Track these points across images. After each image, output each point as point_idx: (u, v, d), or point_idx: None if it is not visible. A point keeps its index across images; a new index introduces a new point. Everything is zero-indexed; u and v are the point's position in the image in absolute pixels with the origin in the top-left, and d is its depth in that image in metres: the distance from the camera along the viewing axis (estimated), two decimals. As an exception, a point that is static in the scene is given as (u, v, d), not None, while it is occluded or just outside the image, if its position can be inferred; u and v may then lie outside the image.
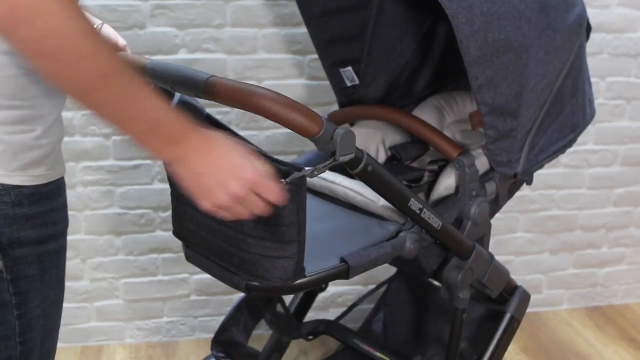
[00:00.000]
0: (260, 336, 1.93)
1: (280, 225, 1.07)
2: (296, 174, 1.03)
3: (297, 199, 1.06)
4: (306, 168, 1.05)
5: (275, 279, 1.12)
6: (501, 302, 1.62)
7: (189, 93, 1.10)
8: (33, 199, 0.93)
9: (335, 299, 2.30)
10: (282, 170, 1.05)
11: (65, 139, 1.96)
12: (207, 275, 2.15)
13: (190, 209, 1.20)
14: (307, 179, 1.06)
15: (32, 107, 0.90)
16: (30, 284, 0.95)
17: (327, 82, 1.72)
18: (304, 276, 1.15)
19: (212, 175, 0.90)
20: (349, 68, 1.66)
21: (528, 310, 1.66)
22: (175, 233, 1.28)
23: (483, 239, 1.47)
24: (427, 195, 1.51)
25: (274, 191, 0.94)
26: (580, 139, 1.65)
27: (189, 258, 1.28)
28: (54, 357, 1.07)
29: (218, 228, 1.15)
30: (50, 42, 0.76)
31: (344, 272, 1.20)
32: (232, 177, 0.91)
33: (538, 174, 1.74)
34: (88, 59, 0.79)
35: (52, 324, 1.03)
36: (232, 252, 1.15)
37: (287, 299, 1.78)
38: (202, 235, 1.20)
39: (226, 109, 2.00)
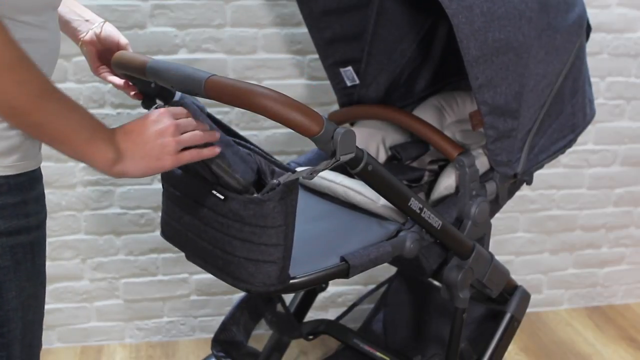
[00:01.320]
0: (260, 336, 1.93)
1: (267, 227, 1.06)
2: (289, 176, 1.02)
3: (287, 201, 1.04)
4: (304, 168, 1.05)
5: (258, 284, 1.11)
6: (501, 302, 1.62)
7: (189, 92, 1.10)
8: (1, 189, 0.93)
9: (335, 299, 2.30)
10: (276, 171, 1.04)
11: (66, 138, 1.96)
12: (207, 275, 2.16)
13: (179, 209, 1.19)
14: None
15: None
16: (4, 275, 0.96)
17: (327, 82, 1.72)
18: (289, 283, 1.13)
19: (147, 148, 0.97)
20: (350, 68, 1.66)
21: (528, 310, 1.67)
22: (163, 233, 1.28)
23: (483, 238, 1.48)
24: (428, 195, 1.51)
25: (192, 123, 1.03)
26: (580, 139, 1.65)
27: (189, 257, 1.28)
28: (38, 351, 1.06)
29: (204, 229, 1.14)
30: None
31: (344, 271, 1.20)
32: (160, 137, 0.98)
33: (538, 174, 1.74)
34: (25, 84, 0.83)
35: (32, 317, 1.03)
36: (217, 254, 1.14)
37: (287, 299, 1.78)
38: (188, 236, 1.19)
39: (227, 108, 2.00)
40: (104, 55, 1.24)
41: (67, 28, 1.22)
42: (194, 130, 1.02)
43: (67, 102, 0.90)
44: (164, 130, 0.99)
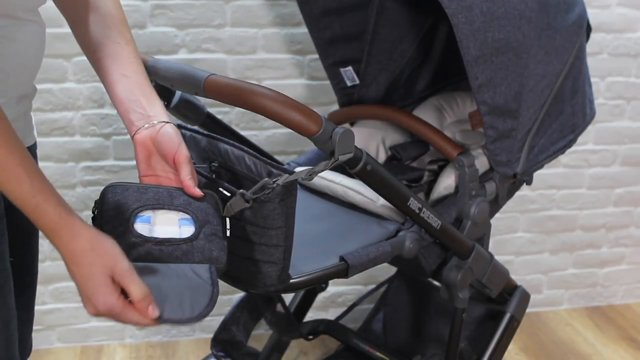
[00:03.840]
0: (260, 336, 1.93)
1: (268, 228, 1.05)
2: (288, 177, 1.01)
3: (287, 203, 1.04)
4: (303, 169, 1.05)
5: (258, 284, 1.10)
6: (501, 302, 1.62)
7: (189, 91, 1.10)
8: None
9: (335, 299, 2.30)
10: (273, 172, 1.04)
11: (65, 138, 1.96)
12: (207, 275, 2.15)
13: None
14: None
15: None
16: None
17: (327, 82, 1.72)
18: (290, 282, 1.13)
19: (82, 286, 0.87)
20: (350, 68, 1.66)
21: (528, 310, 1.66)
22: None
23: (483, 238, 1.47)
24: (427, 195, 1.51)
25: (132, 317, 0.89)
26: (580, 139, 1.65)
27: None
28: (7, 353, 1.01)
29: None
30: None
31: (344, 270, 1.20)
32: (92, 301, 0.87)
33: (538, 174, 1.74)
34: None
35: None
36: None
37: (287, 299, 1.78)
38: None
39: (227, 108, 2.00)
40: (155, 162, 1.03)
41: (125, 117, 1.05)
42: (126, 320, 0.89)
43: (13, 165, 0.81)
44: (97, 306, 0.87)
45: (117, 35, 1.08)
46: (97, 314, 0.87)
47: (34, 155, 1.10)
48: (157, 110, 1.05)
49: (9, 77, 0.97)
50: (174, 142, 1.01)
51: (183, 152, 1.01)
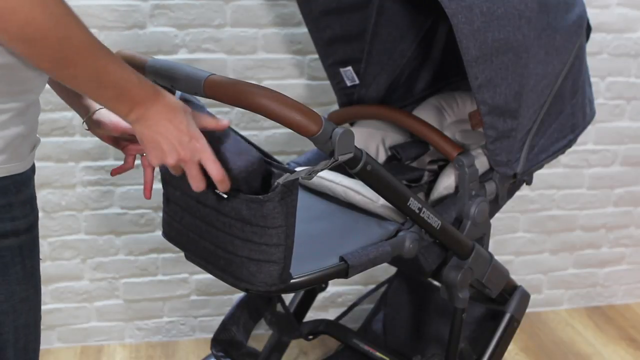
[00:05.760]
0: (260, 336, 1.93)
1: (268, 228, 1.05)
2: (289, 176, 1.01)
3: (287, 202, 1.04)
4: (303, 168, 1.05)
5: (259, 284, 1.10)
6: (501, 302, 1.62)
7: (189, 91, 1.10)
8: None
9: (335, 299, 2.30)
10: (275, 172, 1.04)
11: (65, 139, 1.96)
12: (207, 275, 2.16)
13: (180, 209, 1.19)
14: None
15: None
16: None
17: (327, 82, 1.72)
18: (290, 282, 1.13)
19: (169, 139, 0.97)
20: (349, 68, 1.66)
21: (528, 310, 1.67)
22: (165, 234, 1.27)
23: (483, 238, 1.48)
24: (427, 195, 1.51)
25: (216, 166, 1.01)
26: (580, 139, 1.65)
27: (188, 257, 1.28)
28: (35, 354, 1.05)
29: (206, 229, 1.14)
30: (30, 30, 0.80)
31: (344, 271, 1.20)
32: (185, 144, 0.98)
33: (538, 174, 1.74)
34: (64, 41, 0.83)
35: (25, 320, 1.01)
36: (219, 254, 1.14)
37: (287, 299, 1.78)
38: (190, 236, 1.19)
39: (227, 108, 2.00)
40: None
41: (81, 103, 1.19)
42: (206, 165, 1.02)
43: (104, 62, 0.88)
44: (193, 145, 0.99)
45: None
46: (201, 148, 1.00)
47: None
48: None
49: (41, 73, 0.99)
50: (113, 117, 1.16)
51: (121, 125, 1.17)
